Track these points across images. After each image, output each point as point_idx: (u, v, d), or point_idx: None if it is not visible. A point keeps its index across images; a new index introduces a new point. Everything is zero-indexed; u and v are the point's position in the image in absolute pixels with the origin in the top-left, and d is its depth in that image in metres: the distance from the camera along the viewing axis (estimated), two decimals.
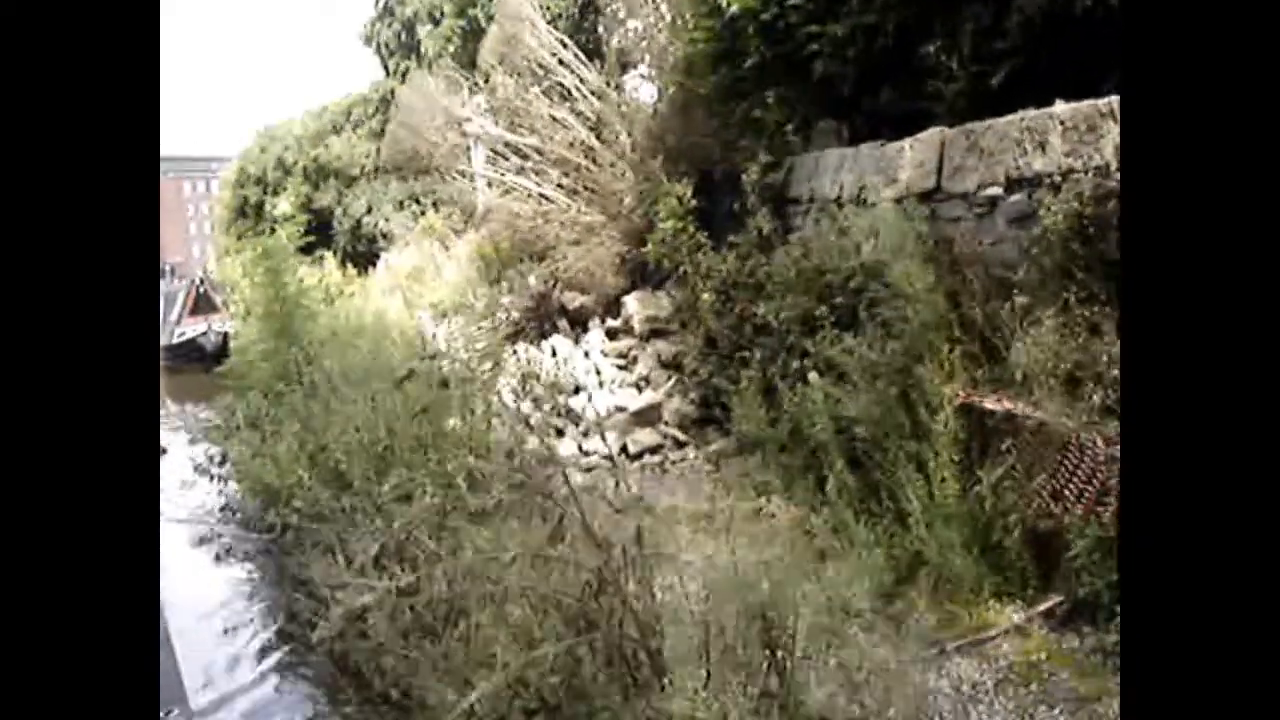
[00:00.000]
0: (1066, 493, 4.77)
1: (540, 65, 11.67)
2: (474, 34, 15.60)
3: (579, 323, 12.34)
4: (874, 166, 5.99)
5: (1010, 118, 4.87)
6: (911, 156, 5.59)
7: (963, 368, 5.31)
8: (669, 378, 9.51)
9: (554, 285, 12.60)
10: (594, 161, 11.57)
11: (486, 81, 12.75)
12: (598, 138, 11.54)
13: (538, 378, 7.50)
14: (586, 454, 8.18)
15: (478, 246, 16.69)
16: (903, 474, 5.42)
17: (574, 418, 8.80)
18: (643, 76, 11.62)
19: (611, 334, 11.29)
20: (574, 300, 12.41)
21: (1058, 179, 4.62)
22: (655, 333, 10.74)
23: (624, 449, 8.19)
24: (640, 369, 9.80)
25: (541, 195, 11.88)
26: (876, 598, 5.19)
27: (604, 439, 7.07)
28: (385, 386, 7.12)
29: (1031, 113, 4.76)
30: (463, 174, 15.00)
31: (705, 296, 7.95)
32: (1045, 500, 4.85)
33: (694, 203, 8.11)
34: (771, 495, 6.36)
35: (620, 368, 10.30)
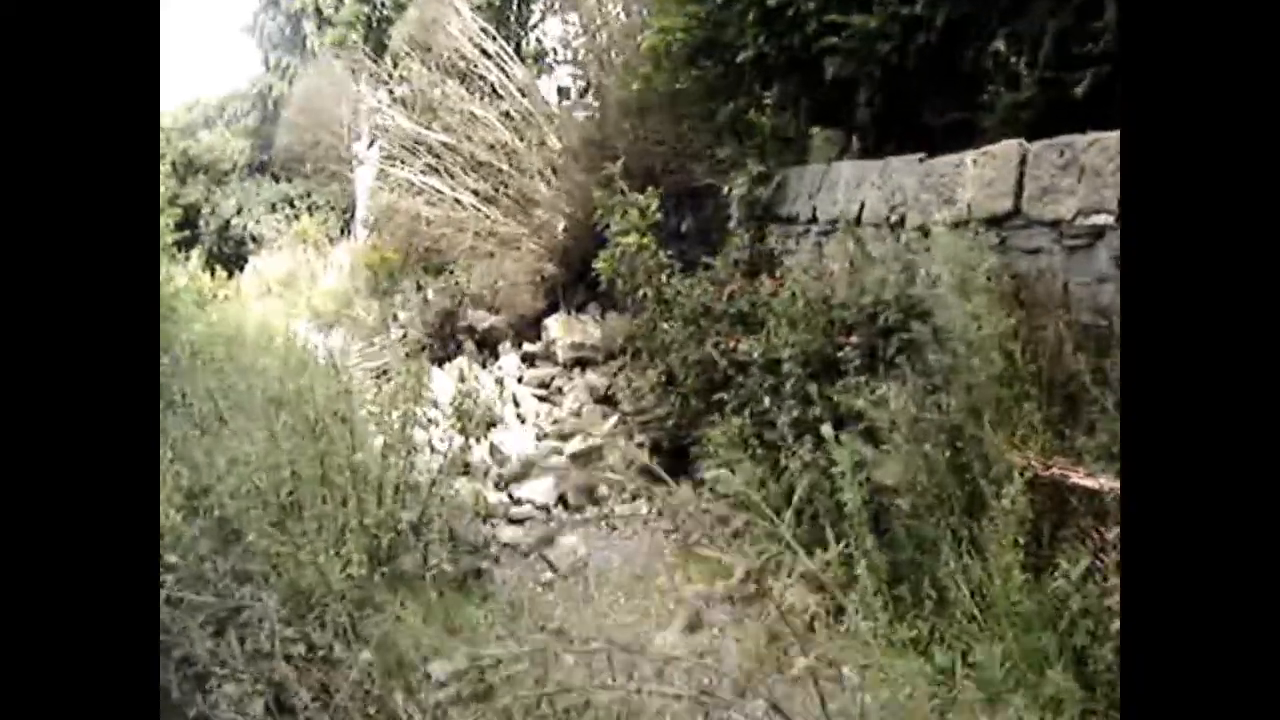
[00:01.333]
0: None
1: (461, 56, 10.41)
2: (378, 23, 14.19)
3: (487, 345, 11.09)
4: (918, 183, 5.00)
5: None
6: (976, 173, 4.62)
7: (1036, 433, 4.34)
8: (604, 415, 8.36)
9: (460, 301, 11.30)
10: (517, 167, 10.35)
11: (395, 67, 11.39)
12: (521, 140, 10.34)
13: (470, 409, 6.29)
14: (517, 501, 6.94)
15: (366, 253, 15.22)
16: (950, 556, 4.41)
17: (497, 457, 7.55)
18: (571, 75, 10.48)
19: (528, 360, 10.08)
20: (483, 320, 11.14)
21: None
22: (580, 362, 9.59)
23: (561, 498, 6.98)
24: (569, 403, 8.61)
25: (456, 200, 10.58)
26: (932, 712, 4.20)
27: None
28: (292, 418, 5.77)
29: None
30: (359, 170, 13.59)
31: (666, 325, 6.83)
32: None
33: (658, 216, 6.99)
34: (769, 570, 5.26)
35: (542, 399, 9.10)
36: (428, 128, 10.77)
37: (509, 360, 10.12)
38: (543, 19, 15.07)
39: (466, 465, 6.57)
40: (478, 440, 6.45)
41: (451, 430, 6.36)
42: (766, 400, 5.55)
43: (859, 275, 5.54)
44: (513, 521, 6.71)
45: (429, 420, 6.25)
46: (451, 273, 12.32)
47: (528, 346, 10.21)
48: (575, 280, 10.73)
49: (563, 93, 11.69)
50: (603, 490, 7.03)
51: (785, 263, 6.42)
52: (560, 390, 9.12)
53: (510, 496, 7.02)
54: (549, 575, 5.96)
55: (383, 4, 14.48)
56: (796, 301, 5.49)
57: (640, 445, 7.34)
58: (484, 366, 10.43)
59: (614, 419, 7.87)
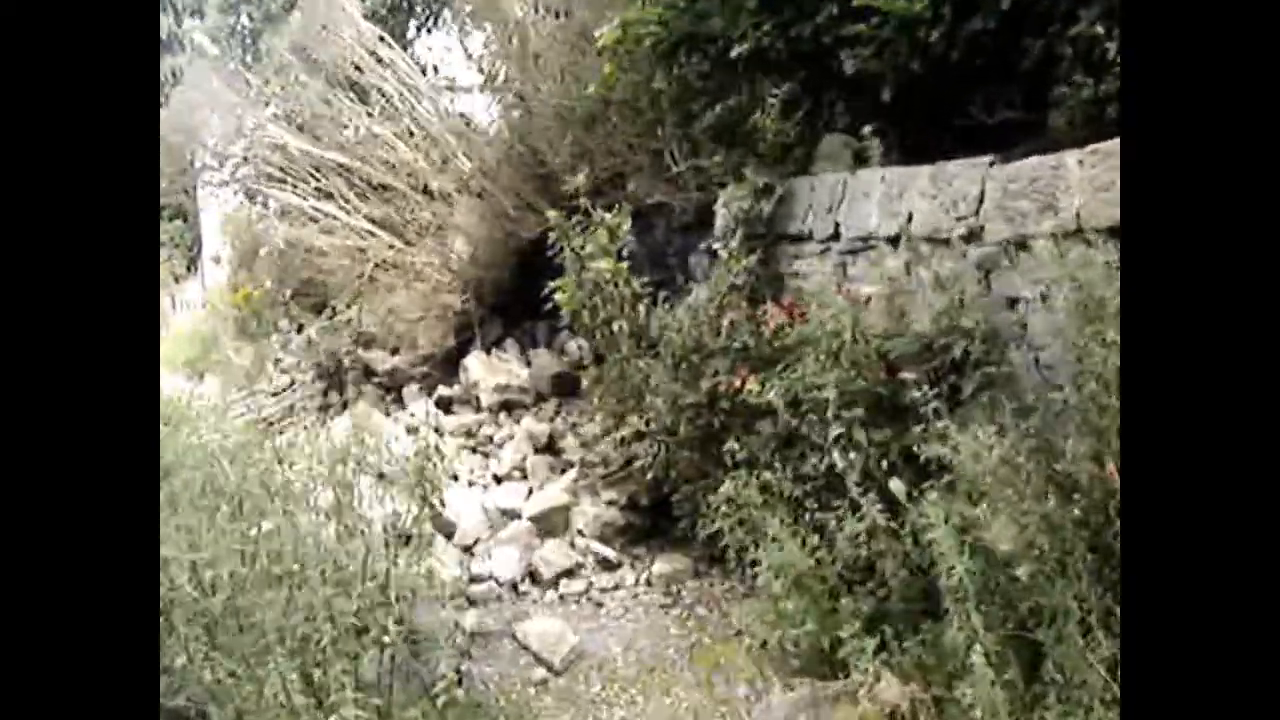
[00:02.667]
0: None
1: (356, 67, 9.24)
2: (248, 35, 12.75)
3: (389, 389, 9.88)
4: (1001, 190, 4.22)
5: None
6: (1086, 176, 3.87)
7: None
8: (551, 468, 7.32)
9: (356, 342, 10.07)
10: (422, 189, 9.24)
11: (268, 82, 10.08)
12: (427, 160, 9.23)
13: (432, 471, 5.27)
14: (476, 579, 5.84)
15: (224, 291, 13.71)
16: (1077, 633, 3.63)
17: (441, 523, 6.42)
18: (481, 87, 9.43)
19: (444, 405, 8.93)
20: (383, 361, 9.94)
21: None
22: (506, 405, 8.53)
23: (529, 571, 5.92)
24: (509, 455, 7.53)
25: (350, 227, 9.36)
26: None
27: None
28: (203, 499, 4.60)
29: None
30: (207, 200, 12.14)
31: (643, 363, 5.90)
32: None
33: (630, 237, 6.06)
34: (836, 655, 4.36)
35: (472, 450, 7.98)
36: (314, 148, 9.52)
37: (419, 406, 8.94)
38: (419, 33, 13.98)
39: (407, 538, 5.47)
40: (437, 507, 5.38)
41: (396, 495, 5.30)
42: (754, 446, 4.78)
43: (909, 299, 4.77)
44: (475, 603, 5.61)
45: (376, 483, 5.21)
46: (334, 310, 11.05)
47: (442, 390, 9.06)
48: (490, 314, 9.67)
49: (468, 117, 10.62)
50: (574, 559, 6.01)
51: (793, 287, 5.58)
52: (491, 440, 8.02)
53: (467, 571, 5.91)
54: (541, 672, 4.91)
55: (250, 15, 13.03)
56: (843, 332, 4.64)
57: (611, 503, 6.35)
58: (388, 414, 9.23)
59: (571, 473, 6.84)
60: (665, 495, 6.03)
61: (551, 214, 6.28)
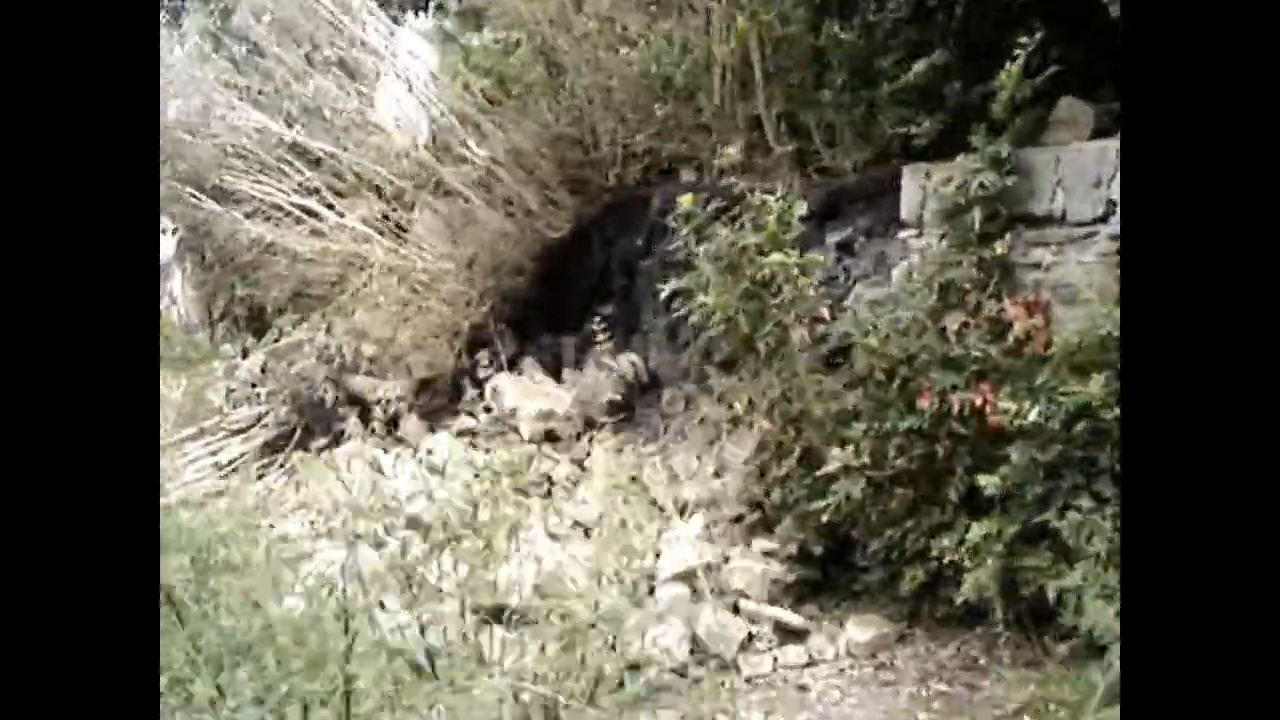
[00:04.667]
0: None
1: (354, 41, 7.78)
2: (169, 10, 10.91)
3: (377, 421, 8.37)
4: None
5: None
6: None
7: None
8: (653, 511, 6.06)
9: (338, 365, 8.52)
10: (435, 186, 7.84)
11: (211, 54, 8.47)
12: (429, 149, 7.85)
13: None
14: (633, 665, 4.54)
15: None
16: None
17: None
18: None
19: (466, 437, 7.55)
20: (372, 388, 8.42)
21: None
22: (549, 436, 7.24)
23: (695, 645, 4.68)
24: (592, 498, 6.22)
25: (343, 228, 7.87)
26: None
27: None
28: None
29: None
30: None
31: (824, 380, 4.79)
32: None
33: (802, 226, 4.91)
34: None
35: (522, 494, 6.62)
36: (294, 135, 7.99)
37: (438, 441, 7.49)
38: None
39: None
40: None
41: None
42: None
43: None
44: (646, 698, 4.34)
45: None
46: (280, 331, 9.45)
47: (465, 419, 7.67)
48: (506, 329, 8.30)
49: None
50: (744, 626, 4.80)
51: (1029, 281, 4.54)
52: (550, 480, 6.71)
53: (613, 650, 4.61)
54: None
55: None
56: None
57: (768, 554, 5.16)
58: (385, 451, 7.77)
59: (697, 518, 5.61)
60: (848, 542, 4.91)
61: (685, 199, 5.08)
